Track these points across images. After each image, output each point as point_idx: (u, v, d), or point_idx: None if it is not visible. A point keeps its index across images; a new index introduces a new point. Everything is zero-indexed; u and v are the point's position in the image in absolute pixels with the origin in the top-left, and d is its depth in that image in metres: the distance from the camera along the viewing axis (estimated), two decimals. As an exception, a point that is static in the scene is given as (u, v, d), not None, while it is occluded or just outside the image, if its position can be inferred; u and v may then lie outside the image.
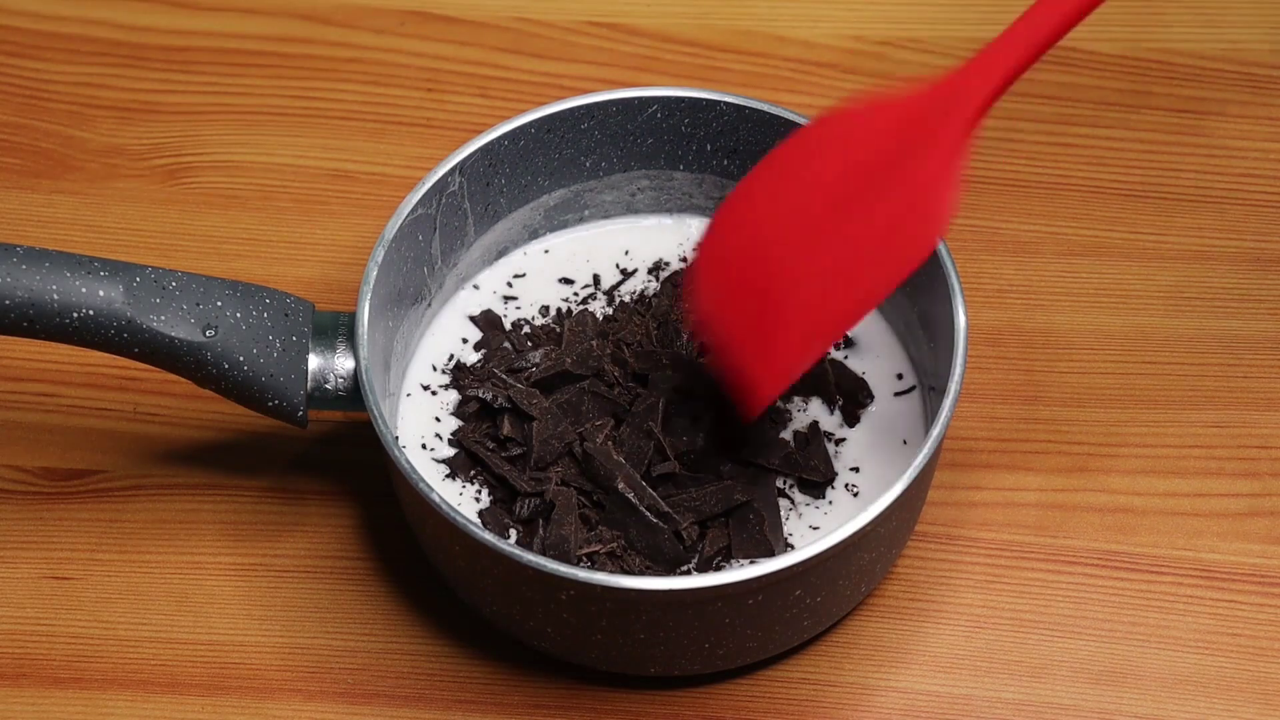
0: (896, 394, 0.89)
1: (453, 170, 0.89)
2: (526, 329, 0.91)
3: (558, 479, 0.85)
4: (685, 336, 0.88)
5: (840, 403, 0.89)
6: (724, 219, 0.72)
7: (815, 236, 0.68)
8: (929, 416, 0.88)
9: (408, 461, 0.81)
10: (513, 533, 0.85)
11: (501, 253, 0.94)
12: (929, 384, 0.88)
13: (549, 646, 0.84)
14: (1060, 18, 0.68)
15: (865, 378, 0.89)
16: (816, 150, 0.70)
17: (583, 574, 0.79)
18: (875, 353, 0.91)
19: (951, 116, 0.67)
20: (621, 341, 0.89)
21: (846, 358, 0.90)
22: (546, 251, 0.94)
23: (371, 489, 0.90)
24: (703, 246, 0.74)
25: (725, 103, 0.91)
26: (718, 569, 0.84)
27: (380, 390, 0.84)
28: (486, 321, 0.91)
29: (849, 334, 0.91)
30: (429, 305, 0.92)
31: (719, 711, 0.85)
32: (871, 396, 0.89)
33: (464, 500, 0.86)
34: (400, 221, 0.87)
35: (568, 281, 0.93)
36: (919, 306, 0.88)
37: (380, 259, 0.86)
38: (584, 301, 0.92)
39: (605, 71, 1.05)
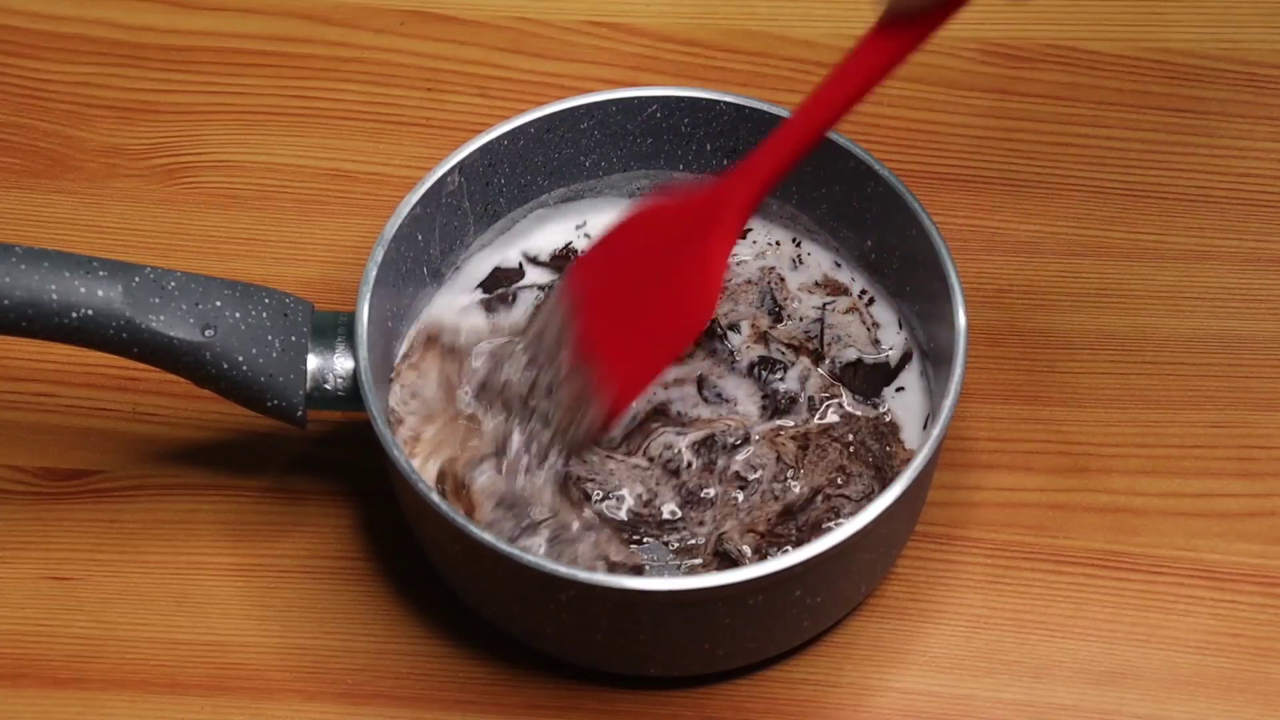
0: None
1: (453, 170, 0.89)
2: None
3: None
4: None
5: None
6: (576, 273, 0.85)
7: (627, 302, 0.82)
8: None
9: (407, 462, 0.81)
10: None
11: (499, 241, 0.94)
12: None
13: (549, 646, 0.84)
14: (802, 138, 0.79)
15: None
16: (632, 233, 0.84)
17: (583, 574, 0.78)
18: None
19: (719, 217, 0.80)
20: None
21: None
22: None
23: (371, 489, 0.90)
24: (564, 288, 0.86)
25: (725, 103, 0.91)
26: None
27: (380, 390, 0.84)
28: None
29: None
30: (429, 305, 0.92)
31: (719, 711, 0.85)
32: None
33: None
34: (400, 221, 0.87)
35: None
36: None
37: (380, 259, 0.86)
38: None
39: (605, 71, 1.05)
